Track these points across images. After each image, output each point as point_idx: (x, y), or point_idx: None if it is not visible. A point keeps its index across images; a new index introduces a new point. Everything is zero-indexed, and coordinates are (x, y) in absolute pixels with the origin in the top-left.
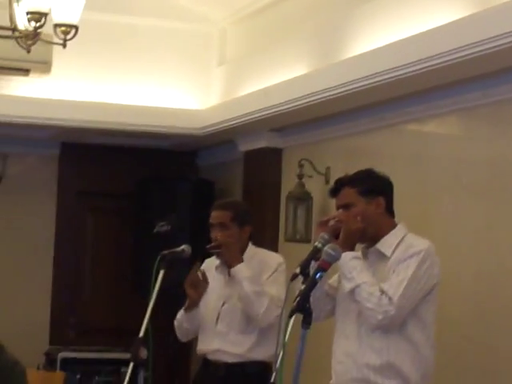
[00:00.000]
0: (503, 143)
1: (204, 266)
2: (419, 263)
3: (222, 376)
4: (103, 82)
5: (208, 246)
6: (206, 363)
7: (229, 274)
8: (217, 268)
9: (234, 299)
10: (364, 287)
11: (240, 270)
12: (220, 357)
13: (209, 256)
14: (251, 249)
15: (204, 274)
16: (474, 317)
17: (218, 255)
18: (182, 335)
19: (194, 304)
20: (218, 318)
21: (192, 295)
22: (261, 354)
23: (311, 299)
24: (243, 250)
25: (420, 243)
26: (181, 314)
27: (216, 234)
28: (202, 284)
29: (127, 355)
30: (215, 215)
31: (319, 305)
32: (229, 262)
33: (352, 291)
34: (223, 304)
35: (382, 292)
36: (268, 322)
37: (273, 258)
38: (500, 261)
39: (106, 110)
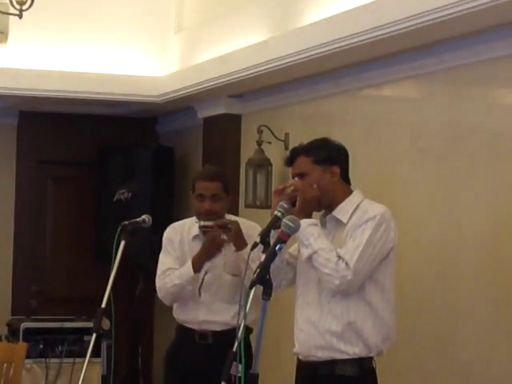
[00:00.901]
0: (459, 108)
1: (171, 234)
2: (374, 228)
3: (211, 344)
4: (61, 51)
5: (215, 223)
6: (188, 333)
7: None
8: (195, 237)
9: (219, 269)
10: (321, 253)
11: (246, 252)
12: (207, 326)
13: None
14: (228, 218)
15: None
16: (434, 280)
17: (206, 233)
18: (174, 299)
19: (205, 262)
20: (200, 288)
21: (212, 252)
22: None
23: (271, 268)
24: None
25: (375, 208)
26: (182, 278)
27: (210, 206)
28: (219, 246)
29: (90, 324)
30: (208, 186)
31: (279, 274)
32: (237, 246)
33: (309, 258)
34: (205, 273)
35: (339, 257)
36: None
37: (253, 229)
38: (458, 224)
39: (64, 78)
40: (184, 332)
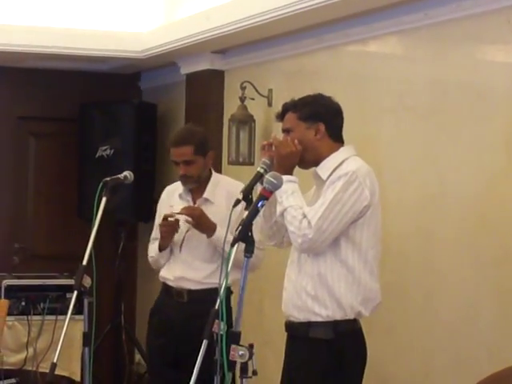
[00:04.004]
0: (444, 64)
1: (166, 192)
2: (344, 185)
3: (186, 302)
4: (42, 6)
5: (179, 212)
6: (168, 290)
7: (193, 202)
8: (180, 196)
9: None
10: (289, 211)
11: (218, 237)
12: (182, 284)
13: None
14: (215, 176)
15: (177, 219)
16: (418, 238)
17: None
18: (158, 267)
19: (167, 245)
20: (181, 245)
21: (167, 237)
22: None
23: (270, 224)
24: (208, 177)
25: (350, 165)
26: (155, 252)
27: (184, 171)
28: (174, 227)
29: (72, 281)
30: (177, 153)
31: (280, 230)
32: (205, 233)
33: (281, 215)
34: (187, 231)
35: (304, 216)
36: (256, 268)
37: (238, 188)
38: (442, 182)
39: (45, 34)
40: (164, 290)
